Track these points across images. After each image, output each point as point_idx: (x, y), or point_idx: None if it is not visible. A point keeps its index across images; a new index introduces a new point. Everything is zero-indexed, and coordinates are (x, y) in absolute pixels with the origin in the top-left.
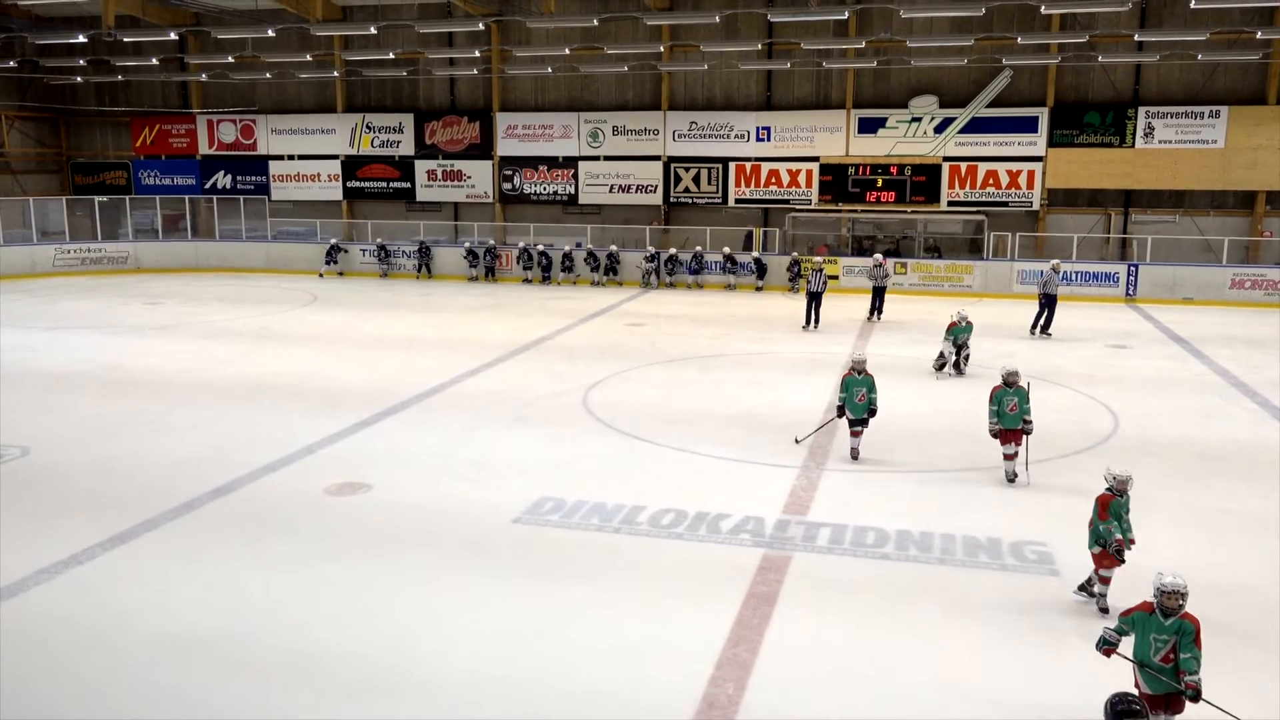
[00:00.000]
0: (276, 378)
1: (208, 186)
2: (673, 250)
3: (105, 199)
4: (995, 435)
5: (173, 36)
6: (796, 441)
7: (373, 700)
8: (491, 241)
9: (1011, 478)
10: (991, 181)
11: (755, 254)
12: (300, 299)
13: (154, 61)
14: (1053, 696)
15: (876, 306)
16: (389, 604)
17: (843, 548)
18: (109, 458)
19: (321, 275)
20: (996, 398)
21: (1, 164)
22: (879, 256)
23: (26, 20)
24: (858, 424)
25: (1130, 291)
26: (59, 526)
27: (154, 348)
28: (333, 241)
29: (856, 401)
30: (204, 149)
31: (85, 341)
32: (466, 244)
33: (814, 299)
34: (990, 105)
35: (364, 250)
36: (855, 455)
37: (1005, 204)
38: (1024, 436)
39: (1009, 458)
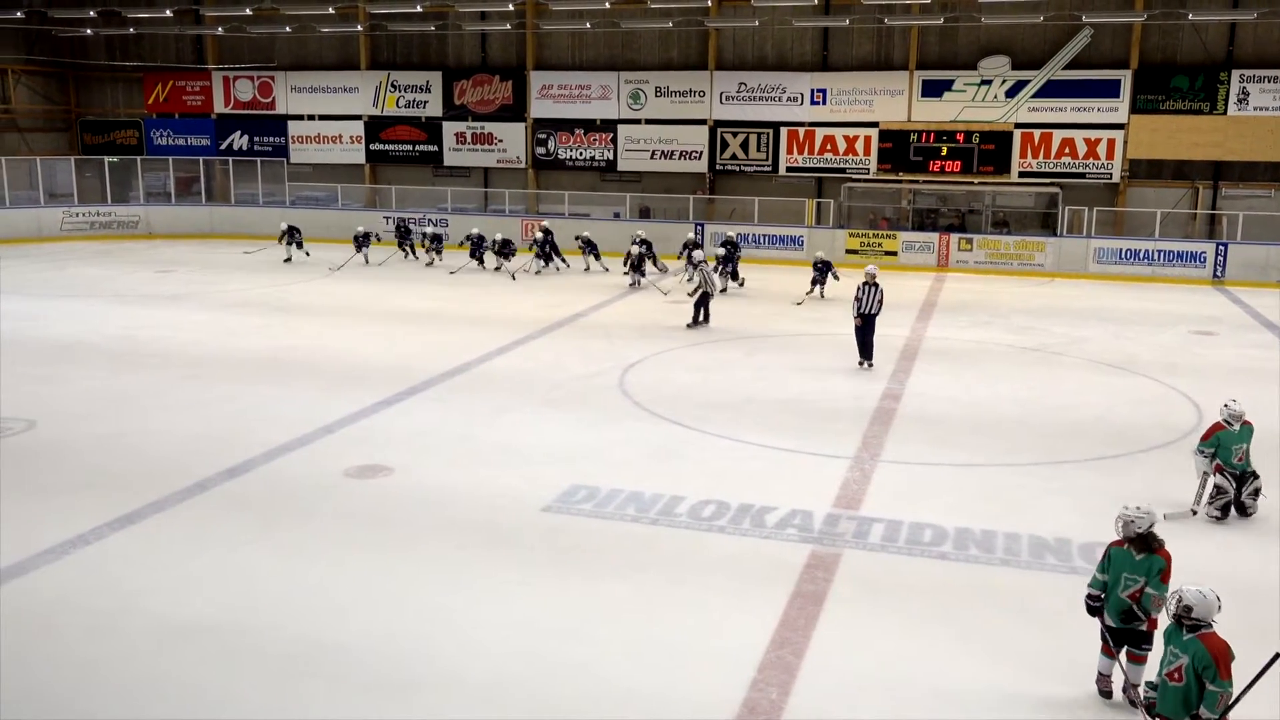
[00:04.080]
0: (293, 352)
1: (223, 147)
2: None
3: (115, 159)
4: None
5: None
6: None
7: (390, 696)
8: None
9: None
10: (1067, 151)
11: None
12: (319, 269)
13: (168, 13)
14: (1118, 709)
15: (864, 344)
16: (409, 594)
17: (897, 545)
18: (118, 433)
19: (289, 259)
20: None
21: (7, 121)
22: (872, 270)
23: None
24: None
25: (1218, 273)
26: (65, 505)
27: (165, 318)
28: (285, 225)
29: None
30: (219, 107)
31: (93, 310)
32: (430, 227)
33: (868, 325)
34: (1068, 67)
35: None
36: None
37: (1082, 175)
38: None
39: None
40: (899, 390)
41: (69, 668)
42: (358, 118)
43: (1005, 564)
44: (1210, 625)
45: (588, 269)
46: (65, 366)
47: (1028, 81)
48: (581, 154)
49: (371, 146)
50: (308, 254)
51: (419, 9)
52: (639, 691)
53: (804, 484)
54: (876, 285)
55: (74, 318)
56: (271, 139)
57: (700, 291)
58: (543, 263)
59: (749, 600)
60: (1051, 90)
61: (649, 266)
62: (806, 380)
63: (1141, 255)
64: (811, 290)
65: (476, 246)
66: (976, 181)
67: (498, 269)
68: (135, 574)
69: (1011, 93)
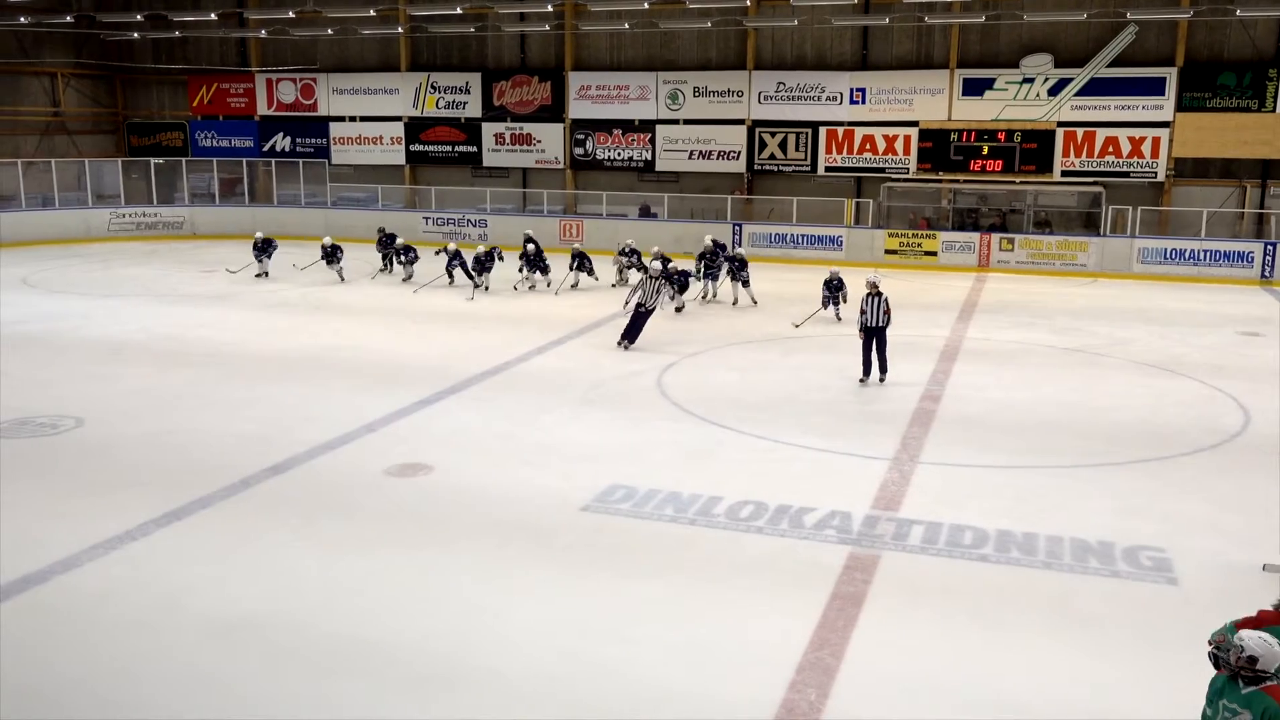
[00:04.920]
0: (335, 351)
1: (266, 149)
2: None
3: (161, 161)
4: None
5: None
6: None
7: (430, 693)
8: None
9: None
10: (1111, 149)
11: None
12: (359, 269)
13: (212, 17)
14: (1159, 716)
15: (876, 356)
16: (449, 592)
17: (937, 548)
18: (163, 431)
19: (232, 271)
20: None
21: (57, 124)
22: (875, 276)
23: None
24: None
25: (1267, 273)
26: (112, 501)
27: (209, 317)
28: (259, 235)
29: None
30: (262, 109)
31: (139, 310)
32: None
33: (874, 338)
34: (1111, 65)
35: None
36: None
37: (1126, 174)
38: None
39: None
40: (939, 392)
41: (115, 661)
42: (398, 119)
43: (1047, 567)
44: (1275, 677)
45: (576, 285)
46: (113, 365)
47: (1070, 79)
48: (620, 154)
49: (411, 147)
50: (266, 274)
51: (459, 11)
52: (677, 691)
53: (842, 485)
54: (880, 294)
55: (121, 317)
56: (313, 140)
57: (637, 305)
58: (538, 274)
59: (787, 601)
60: (1095, 88)
61: (634, 276)
62: (845, 381)
63: (1187, 255)
64: (818, 311)
65: (452, 260)
66: (1018, 181)
67: (479, 287)
68: (180, 569)
69: (1054, 91)
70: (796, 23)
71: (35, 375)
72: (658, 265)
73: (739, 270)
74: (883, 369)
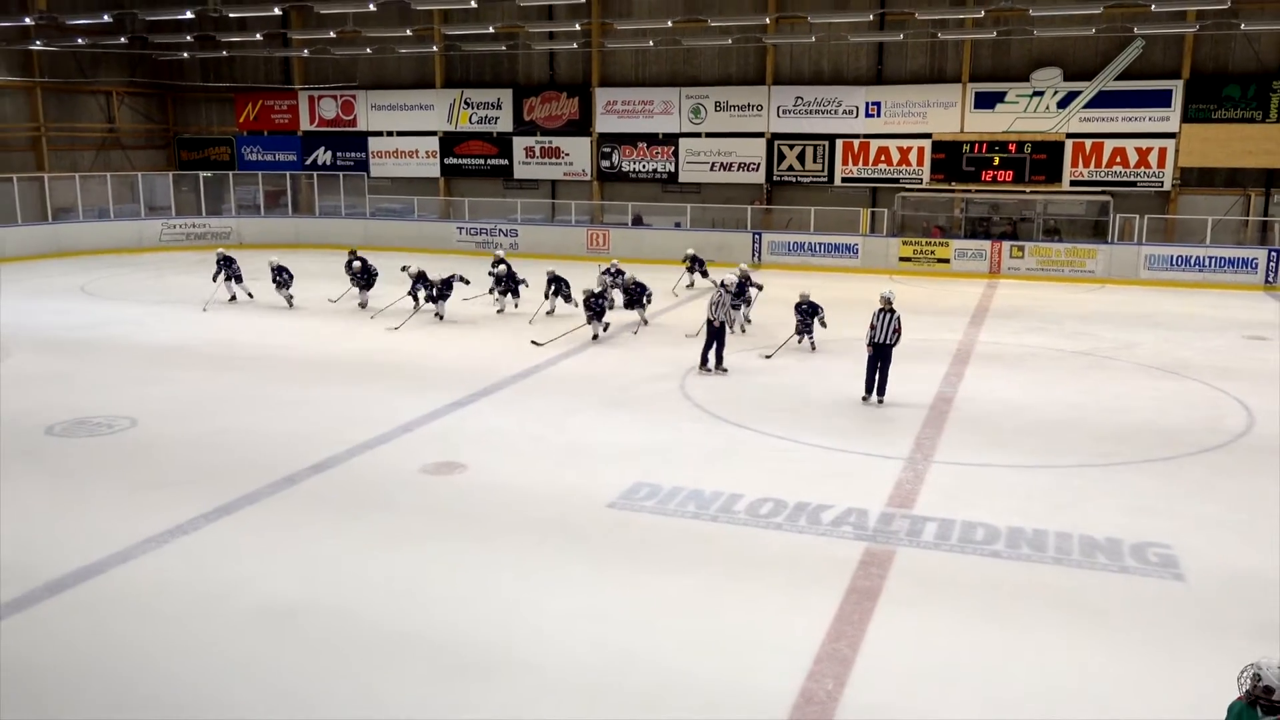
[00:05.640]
0: (374, 355)
1: (308, 162)
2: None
3: (209, 174)
4: None
5: (276, 12)
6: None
7: (467, 682)
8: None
9: None
10: (1119, 160)
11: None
12: (398, 277)
13: (258, 37)
14: (1165, 711)
15: (879, 374)
16: (483, 585)
17: (950, 544)
18: (212, 431)
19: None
20: None
21: (112, 140)
22: (889, 293)
23: None
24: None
25: (1271, 278)
26: (165, 497)
27: (255, 323)
28: (221, 251)
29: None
30: (305, 125)
31: (189, 316)
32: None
33: (880, 356)
34: (1119, 78)
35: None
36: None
37: (1133, 184)
38: None
39: None
40: (951, 393)
41: (167, 647)
42: (433, 133)
43: (1057, 563)
44: None
45: (552, 311)
46: (164, 369)
47: (1079, 92)
48: (644, 166)
49: (446, 161)
50: (250, 295)
51: (491, 30)
52: (700, 679)
53: (859, 483)
54: (893, 311)
55: (172, 322)
56: (353, 154)
57: (708, 322)
58: (508, 297)
59: (805, 595)
60: (1103, 100)
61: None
62: (862, 384)
63: (1193, 261)
64: (790, 339)
65: (416, 283)
66: (1028, 190)
67: (438, 316)
68: (229, 562)
69: (1063, 103)
70: (814, 39)
71: (92, 378)
72: (733, 278)
73: (736, 297)
74: (881, 390)
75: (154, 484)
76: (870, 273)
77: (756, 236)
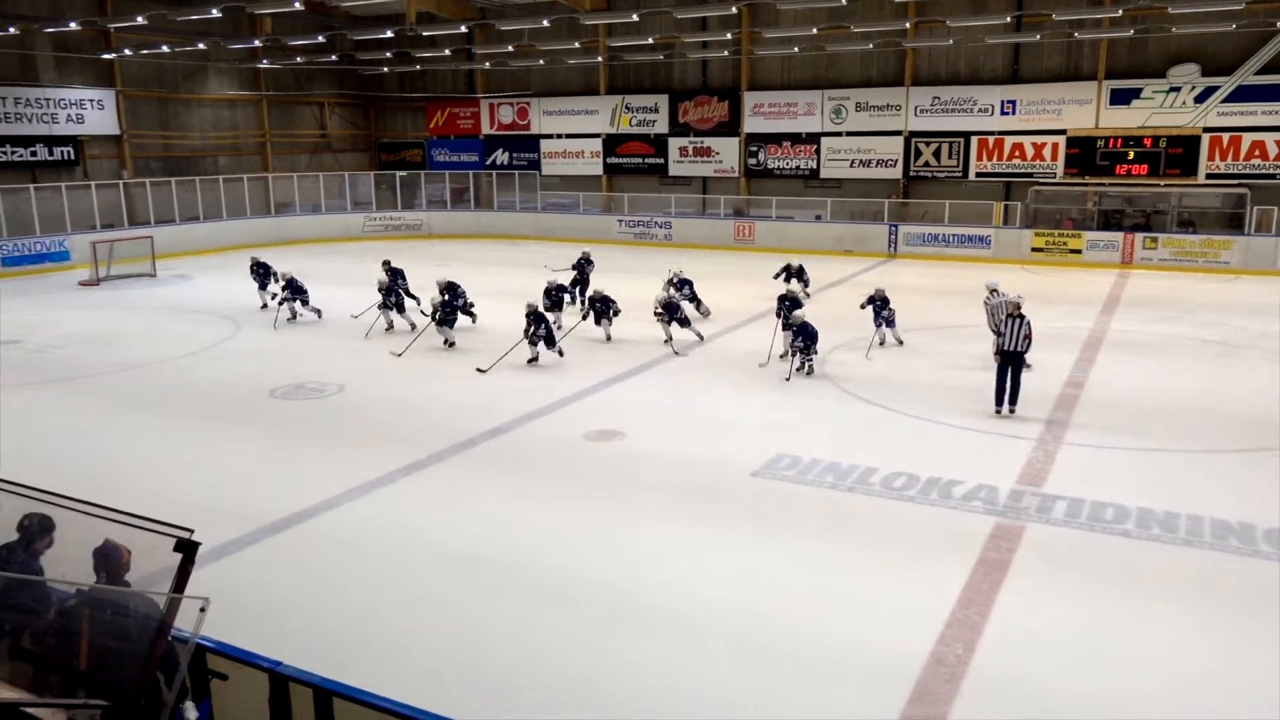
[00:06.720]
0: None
1: (488, 162)
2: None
3: (404, 174)
4: None
5: (462, 30)
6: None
7: (617, 625)
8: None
9: None
10: (1258, 153)
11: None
12: (565, 262)
13: (446, 52)
14: None
15: (1010, 382)
16: (636, 540)
17: (1079, 521)
18: (405, 398)
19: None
20: None
21: (324, 144)
22: (1018, 299)
23: (344, 19)
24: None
25: None
26: (366, 453)
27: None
28: (253, 258)
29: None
30: (486, 129)
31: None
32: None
33: (1010, 363)
34: (1259, 72)
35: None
36: None
37: (1273, 176)
38: None
39: None
40: (1082, 379)
41: (367, 583)
42: (597, 135)
43: (1188, 544)
44: None
45: (535, 360)
46: (367, 343)
47: (1217, 87)
48: (788, 164)
49: (608, 160)
50: (270, 300)
51: (650, 41)
52: (837, 636)
53: (989, 461)
54: (1022, 318)
55: (372, 302)
56: (527, 155)
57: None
58: (541, 346)
59: (937, 564)
60: (1241, 95)
61: (689, 311)
62: (993, 367)
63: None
64: (875, 336)
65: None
66: (1162, 184)
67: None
68: (419, 512)
69: (1200, 98)
70: (951, 42)
71: (308, 350)
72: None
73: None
74: (1014, 398)
75: (358, 441)
76: (1003, 262)
77: (893, 229)
